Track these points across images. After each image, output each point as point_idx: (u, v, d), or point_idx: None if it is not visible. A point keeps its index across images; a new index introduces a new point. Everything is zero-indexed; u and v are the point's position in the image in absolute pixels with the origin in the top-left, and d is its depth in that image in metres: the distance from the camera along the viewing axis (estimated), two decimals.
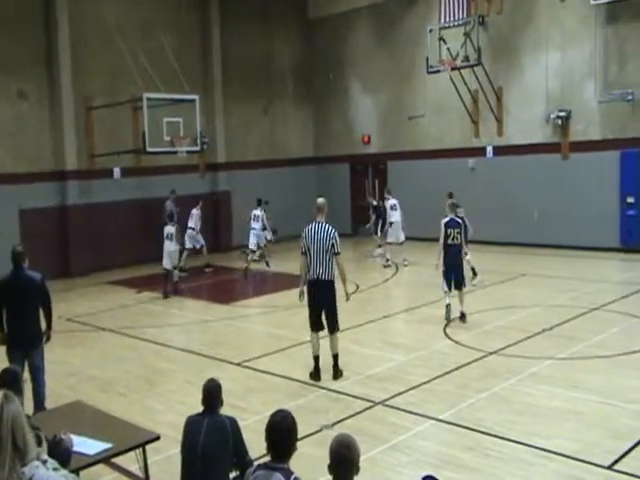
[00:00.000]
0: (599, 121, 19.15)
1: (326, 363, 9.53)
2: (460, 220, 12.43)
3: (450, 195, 15.26)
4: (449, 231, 12.02)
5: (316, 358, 9.50)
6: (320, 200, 9.79)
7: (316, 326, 9.52)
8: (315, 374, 9.47)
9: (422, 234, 19.64)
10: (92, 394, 9.11)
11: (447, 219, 12.15)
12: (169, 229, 16.33)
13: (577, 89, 19.49)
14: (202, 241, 19.41)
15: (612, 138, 18.89)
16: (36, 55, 19.14)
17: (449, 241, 12.04)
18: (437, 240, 12.38)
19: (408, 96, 23.45)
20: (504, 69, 20.90)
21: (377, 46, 24.31)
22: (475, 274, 15.30)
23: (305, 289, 9.58)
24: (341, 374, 9.49)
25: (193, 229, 19.24)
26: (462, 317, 12.13)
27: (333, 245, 9.30)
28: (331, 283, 9.38)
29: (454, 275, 12.16)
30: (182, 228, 17.97)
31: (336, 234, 9.41)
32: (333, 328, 9.51)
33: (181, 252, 17.82)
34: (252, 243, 18.66)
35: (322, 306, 9.45)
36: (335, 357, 9.55)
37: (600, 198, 19.01)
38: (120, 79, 20.01)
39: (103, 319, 14.03)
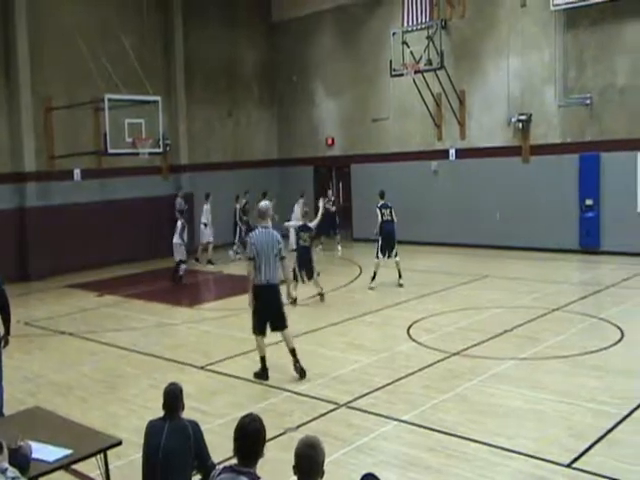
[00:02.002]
0: (559, 125, 19.44)
1: (283, 366, 9.51)
2: (390, 204, 15.87)
3: (382, 195, 16.18)
4: (383, 211, 15.57)
5: (263, 358, 9.69)
6: (263, 204, 9.89)
7: (263, 330, 9.65)
8: (262, 374, 9.62)
9: None
10: (52, 399, 8.98)
11: (380, 203, 15.73)
12: (177, 224, 17.67)
13: (537, 93, 19.76)
14: (210, 237, 20.52)
15: (571, 142, 19.19)
16: None
17: (384, 218, 15.51)
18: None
19: (372, 99, 23.55)
20: (466, 73, 21.11)
21: (341, 49, 24.38)
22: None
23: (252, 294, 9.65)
24: (303, 372, 9.57)
25: (205, 224, 20.49)
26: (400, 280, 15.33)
27: (280, 250, 9.47)
28: (278, 287, 9.63)
29: (388, 248, 15.52)
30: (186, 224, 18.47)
31: (281, 239, 9.60)
32: (284, 325, 9.67)
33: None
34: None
35: (272, 310, 9.58)
36: (293, 351, 9.65)
37: (560, 201, 19.29)
38: (81, 80, 19.75)
39: (63, 323, 13.83)
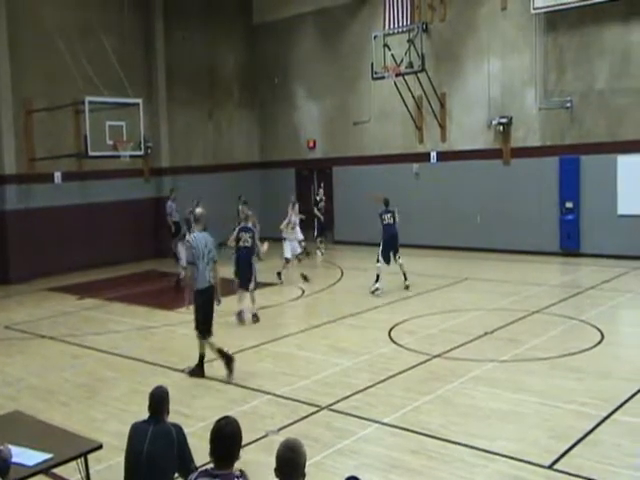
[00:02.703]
0: (539, 128, 19.57)
1: (264, 369, 9.50)
2: (392, 209, 15.71)
3: (387, 203, 15.89)
4: (383, 216, 15.42)
5: (202, 356, 10.00)
6: (199, 210, 10.51)
7: (207, 333, 9.94)
8: (199, 370, 9.95)
9: (366, 239, 19.76)
10: (32, 404, 8.91)
11: (381, 210, 15.59)
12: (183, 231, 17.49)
13: (518, 96, 19.88)
14: None
15: (551, 144, 19.33)
16: None
17: (384, 222, 15.39)
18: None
19: (353, 102, 23.60)
20: (447, 76, 21.20)
21: (322, 52, 24.40)
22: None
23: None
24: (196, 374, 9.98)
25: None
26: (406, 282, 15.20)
27: (215, 254, 9.98)
28: (212, 289, 10.04)
29: (392, 249, 15.34)
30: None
31: (211, 249, 10.00)
32: (207, 332, 9.97)
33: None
34: None
35: (210, 312, 10.01)
36: (201, 357, 10.02)
37: (540, 203, 19.42)
38: (61, 81, 19.63)
39: (43, 326, 13.73)
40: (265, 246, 14.42)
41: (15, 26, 19.17)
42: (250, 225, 13.79)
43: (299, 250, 18.21)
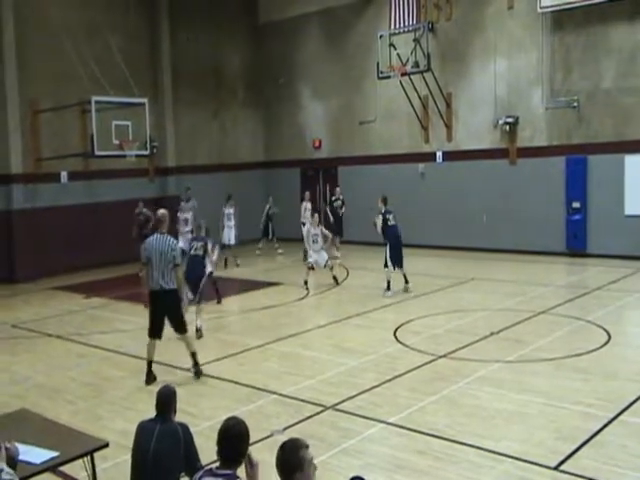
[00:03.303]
0: (545, 127, 19.53)
1: (271, 370, 9.48)
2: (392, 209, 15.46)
3: (385, 201, 15.59)
4: (387, 217, 15.09)
5: (149, 363, 9.82)
6: (161, 211, 10.09)
7: (154, 334, 9.82)
8: (148, 378, 9.72)
9: (372, 239, 19.70)
10: (38, 402, 8.94)
11: (384, 209, 15.22)
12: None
13: (524, 96, 19.84)
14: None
15: (558, 144, 19.28)
16: None
17: (389, 223, 15.05)
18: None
19: (359, 101, 23.59)
20: (453, 75, 21.18)
21: (327, 51, 24.40)
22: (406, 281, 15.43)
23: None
24: (201, 372, 9.89)
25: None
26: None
27: (174, 257, 9.58)
28: (173, 292, 9.67)
29: (399, 253, 15.12)
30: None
31: (177, 246, 9.79)
32: (182, 330, 9.87)
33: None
34: None
35: (165, 315, 9.72)
36: (193, 355, 9.91)
37: (547, 203, 19.38)
38: (68, 81, 19.67)
39: (50, 325, 13.76)
40: (215, 255, 13.42)
41: (22, 27, 19.24)
42: (203, 235, 13.17)
43: (324, 262, 16.40)
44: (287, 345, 11.54)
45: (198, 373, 9.87)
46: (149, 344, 9.86)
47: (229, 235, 20.00)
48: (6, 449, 4.46)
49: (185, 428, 5.19)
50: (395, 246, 15.16)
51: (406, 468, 6.73)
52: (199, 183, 22.96)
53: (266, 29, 26.18)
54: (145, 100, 19.31)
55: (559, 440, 7.19)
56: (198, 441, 5.28)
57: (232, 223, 20.09)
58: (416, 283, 15.42)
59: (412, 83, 20.96)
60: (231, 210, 20.21)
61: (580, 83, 18.81)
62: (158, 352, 11.30)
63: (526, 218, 19.70)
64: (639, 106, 17.88)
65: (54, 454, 5.30)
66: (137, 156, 19.74)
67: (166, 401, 5.24)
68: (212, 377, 9.93)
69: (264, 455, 6.58)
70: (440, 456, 6.94)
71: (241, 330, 12.67)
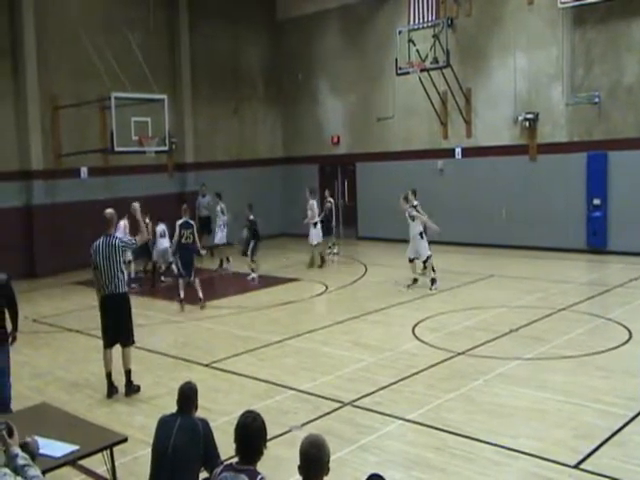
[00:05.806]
0: (566, 123, 19.38)
1: (289, 366, 9.49)
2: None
3: (414, 192, 16.09)
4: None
5: (108, 375, 9.25)
6: (108, 211, 9.36)
7: (110, 342, 9.29)
8: (109, 391, 9.18)
9: (390, 235, 19.74)
10: (58, 396, 9.02)
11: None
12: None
13: (544, 91, 19.70)
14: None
15: (579, 140, 19.13)
16: (1, 50, 18.89)
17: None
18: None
19: (377, 97, 23.52)
20: (472, 71, 21.06)
21: (346, 47, 24.34)
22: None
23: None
24: (137, 389, 9.24)
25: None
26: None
27: (122, 260, 9.21)
28: (124, 295, 9.25)
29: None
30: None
31: (123, 244, 9.27)
32: (127, 341, 9.33)
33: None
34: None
35: (117, 320, 9.24)
36: (128, 373, 9.27)
37: (567, 200, 19.23)
38: (87, 77, 19.74)
39: (70, 320, 13.87)
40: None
41: (42, 24, 19.35)
42: (190, 220, 14.84)
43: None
44: (305, 341, 11.55)
45: (131, 392, 9.17)
46: (104, 354, 9.26)
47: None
48: (26, 444, 4.50)
49: (205, 424, 5.22)
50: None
51: (423, 465, 6.72)
52: (217, 179, 22.99)
53: (285, 25, 26.17)
54: (164, 96, 19.34)
55: (578, 438, 7.14)
56: (216, 435, 5.29)
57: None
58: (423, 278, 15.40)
59: (431, 79, 20.88)
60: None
61: (601, 79, 18.64)
62: (178, 347, 11.37)
63: (546, 215, 19.56)
64: None
65: (74, 448, 5.34)
66: (156, 152, 19.78)
67: (187, 397, 5.29)
68: (230, 372, 9.96)
69: (282, 451, 6.61)
70: (457, 453, 6.92)
71: (260, 326, 12.69)
